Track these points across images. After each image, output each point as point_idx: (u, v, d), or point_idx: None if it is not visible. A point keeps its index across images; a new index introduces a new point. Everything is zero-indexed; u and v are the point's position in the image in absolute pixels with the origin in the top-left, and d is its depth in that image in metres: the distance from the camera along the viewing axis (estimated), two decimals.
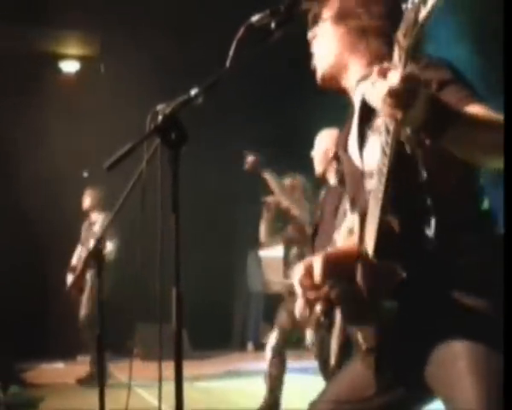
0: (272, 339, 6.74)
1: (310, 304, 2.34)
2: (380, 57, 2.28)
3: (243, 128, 11.29)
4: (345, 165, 2.49)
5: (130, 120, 9.74)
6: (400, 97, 1.82)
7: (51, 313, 10.61)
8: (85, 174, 12.79)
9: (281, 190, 6.66)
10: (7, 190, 10.51)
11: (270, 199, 7.14)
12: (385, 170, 2.00)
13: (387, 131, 1.95)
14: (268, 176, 6.59)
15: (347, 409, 2.46)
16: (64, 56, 12.57)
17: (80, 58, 12.57)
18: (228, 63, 2.19)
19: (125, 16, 10.48)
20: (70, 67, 12.62)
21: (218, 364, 11.12)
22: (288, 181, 7.00)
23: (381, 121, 2.02)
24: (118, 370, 9.14)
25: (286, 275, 7.05)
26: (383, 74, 1.85)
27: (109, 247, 9.18)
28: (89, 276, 9.22)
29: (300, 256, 6.80)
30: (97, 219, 9.34)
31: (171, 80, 8.56)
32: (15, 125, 10.83)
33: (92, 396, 6.30)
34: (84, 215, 9.52)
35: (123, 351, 10.94)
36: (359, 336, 2.33)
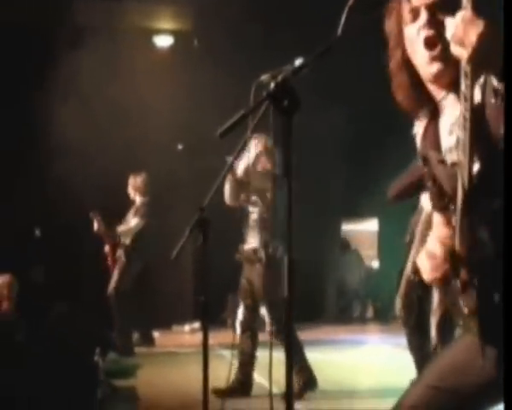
0: (239, 314, 6.64)
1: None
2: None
3: None
4: (437, 165, 2.47)
5: (224, 93, 9.89)
6: (469, 23, 1.97)
7: (146, 285, 10.82)
8: (180, 147, 12.98)
9: None
10: (107, 160, 10.70)
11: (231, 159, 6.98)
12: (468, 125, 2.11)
13: (466, 76, 2.07)
14: None
15: (451, 384, 2.45)
16: (158, 31, 12.73)
17: (174, 32, 12.70)
18: (339, 31, 2.22)
19: None
20: (164, 41, 12.76)
21: (310, 335, 11.17)
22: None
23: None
24: (211, 339, 9.26)
25: (244, 241, 6.80)
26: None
27: (133, 222, 9.52)
28: (121, 251, 9.51)
29: (260, 221, 6.67)
30: (140, 202, 9.65)
31: (265, 53, 8.59)
32: (110, 100, 11.02)
33: (189, 364, 6.45)
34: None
35: (216, 321, 11.12)
36: (460, 301, 2.33)
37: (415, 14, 2.33)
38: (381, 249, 15.08)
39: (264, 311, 6.49)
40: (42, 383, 5.11)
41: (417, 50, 2.35)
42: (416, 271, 2.45)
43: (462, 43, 1.99)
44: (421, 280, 2.52)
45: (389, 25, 2.45)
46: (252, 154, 6.87)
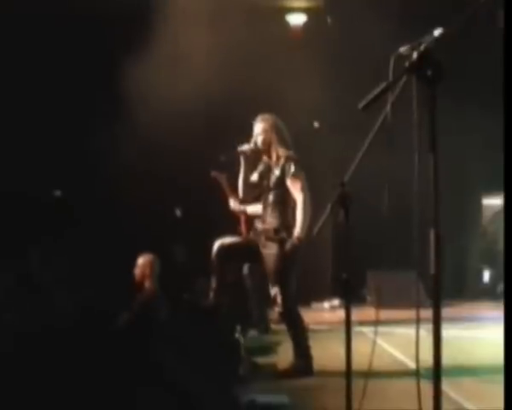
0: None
1: None
2: None
3: None
4: None
5: (358, 70, 9.82)
6: None
7: None
8: (316, 125, 12.95)
9: None
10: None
11: (245, 147, 6.96)
12: None
13: None
14: None
15: None
16: (291, 9, 12.73)
17: (307, 10, 12.67)
18: None
19: None
20: (297, 19, 12.76)
21: (453, 312, 10.99)
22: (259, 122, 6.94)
23: None
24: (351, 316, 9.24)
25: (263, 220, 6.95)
26: None
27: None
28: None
29: (280, 203, 6.75)
30: None
31: (400, 28, 8.46)
32: (246, 79, 11.08)
33: (329, 341, 6.47)
34: None
35: (356, 298, 11.07)
36: None
37: None
38: None
39: (275, 290, 6.62)
40: (185, 359, 5.24)
41: None
42: None
43: None
44: None
45: None
46: (258, 136, 6.94)
